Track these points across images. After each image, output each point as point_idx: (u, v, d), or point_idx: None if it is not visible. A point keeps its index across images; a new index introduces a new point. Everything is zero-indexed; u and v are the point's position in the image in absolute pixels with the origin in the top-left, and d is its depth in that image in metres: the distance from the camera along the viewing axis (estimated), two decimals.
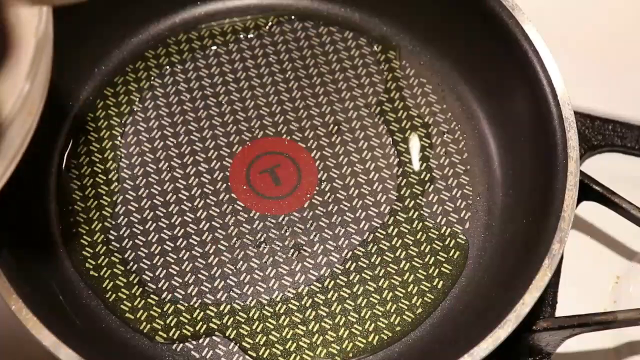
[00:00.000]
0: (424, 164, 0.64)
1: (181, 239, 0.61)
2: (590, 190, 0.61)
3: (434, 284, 0.60)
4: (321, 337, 0.58)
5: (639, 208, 0.60)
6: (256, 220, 0.62)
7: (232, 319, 0.58)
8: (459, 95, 0.67)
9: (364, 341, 0.58)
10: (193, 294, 0.59)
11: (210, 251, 0.61)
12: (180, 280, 0.59)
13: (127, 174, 0.63)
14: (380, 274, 0.60)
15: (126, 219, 0.62)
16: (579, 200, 0.59)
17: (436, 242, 0.62)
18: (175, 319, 0.58)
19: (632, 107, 0.71)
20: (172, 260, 0.60)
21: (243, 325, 0.58)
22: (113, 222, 0.61)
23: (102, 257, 0.60)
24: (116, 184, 0.63)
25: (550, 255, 0.54)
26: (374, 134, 0.65)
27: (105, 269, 0.60)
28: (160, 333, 0.58)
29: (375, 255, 0.61)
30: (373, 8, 0.69)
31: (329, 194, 0.63)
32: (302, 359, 0.57)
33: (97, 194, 0.62)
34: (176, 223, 0.62)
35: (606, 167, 0.68)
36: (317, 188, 0.63)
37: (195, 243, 0.61)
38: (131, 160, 0.64)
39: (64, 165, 0.63)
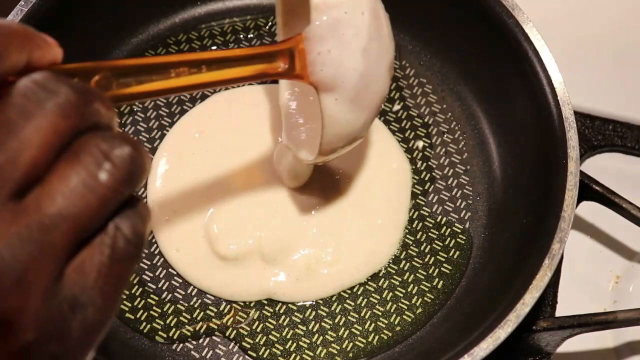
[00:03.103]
0: (424, 164, 0.64)
1: None
2: (590, 190, 0.61)
3: (434, 284, 0.60)
4: (321, 337, 0.58)
5: (639, 208, 0.60)
6: None
7: (232, 319, 0.58)
8: (459, 95, 0.67)
9: (364, 341, 0.58)
10: (193, 294, 0.59)
11: None
12: (180, 280, 0.59)
13: None
14: (380, 274, 0.60)
15: None
16: (579, 200, 0.59)
17: (436, 242, 0.61)
18: (175, 319, 0.58)
19: (632, 107, 0.71)
20: None
21: (243, 325, 0.58)
22: None
23: None
24: None
25: (550, 255, 0.54)
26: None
27: None
28: (160, 333, 0.58)
29: None
30: None
31: None
32: (302, 359, 0.57)
33: None
34: None
35: (606, 167, 0.68)
36: None
37: None
38: None
39: None
